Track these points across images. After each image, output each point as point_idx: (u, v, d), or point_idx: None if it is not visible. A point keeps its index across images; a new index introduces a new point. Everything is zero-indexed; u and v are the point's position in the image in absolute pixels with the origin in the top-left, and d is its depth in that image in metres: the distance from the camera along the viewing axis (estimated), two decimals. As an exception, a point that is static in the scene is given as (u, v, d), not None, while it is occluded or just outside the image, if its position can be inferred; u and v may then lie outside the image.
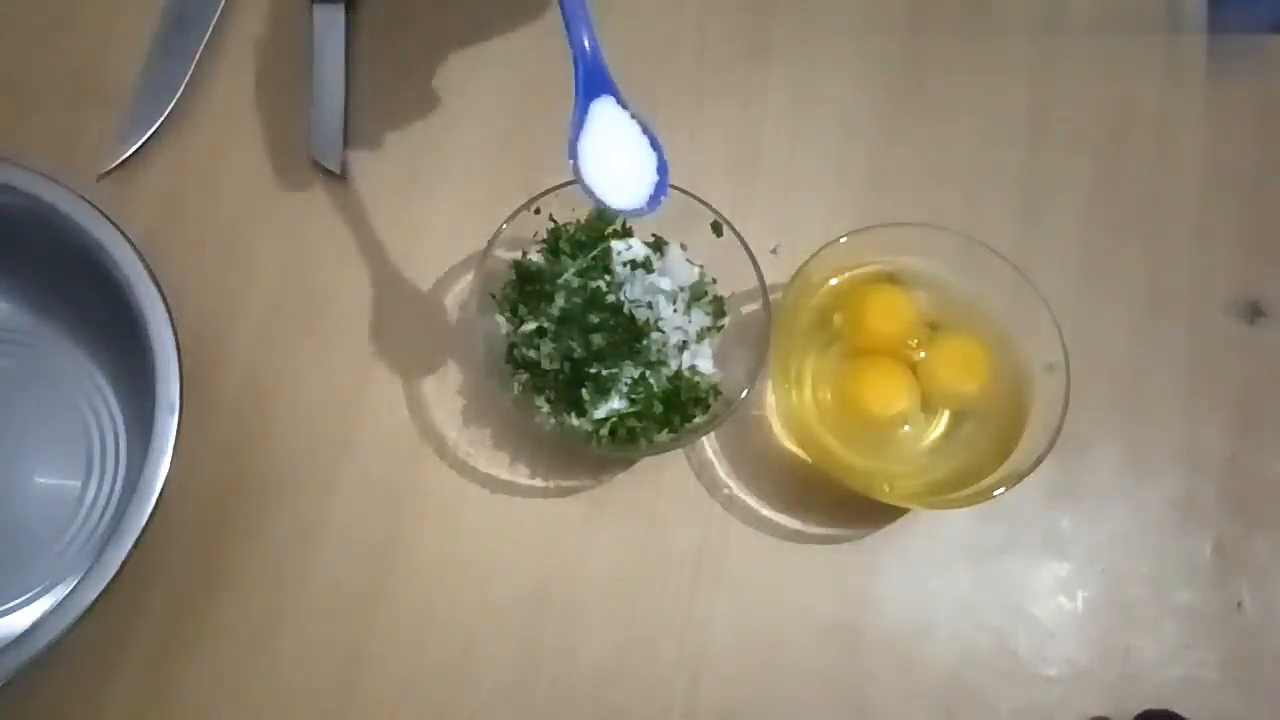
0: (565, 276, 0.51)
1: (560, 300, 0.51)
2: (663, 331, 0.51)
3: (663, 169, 0.46)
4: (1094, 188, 0.61)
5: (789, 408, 0.53)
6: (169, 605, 0.51)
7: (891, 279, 0.55)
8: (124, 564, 0.44)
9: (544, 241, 0.53)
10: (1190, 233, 0.60)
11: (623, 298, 0.51)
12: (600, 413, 0.50)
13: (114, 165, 0.57)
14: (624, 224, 0.54)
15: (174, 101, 0.58)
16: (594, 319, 0.50)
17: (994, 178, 0.60)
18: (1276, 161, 0.61)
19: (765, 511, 0.54)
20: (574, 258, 0.52)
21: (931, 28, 0.63)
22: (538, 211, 0.52)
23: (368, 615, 0.52)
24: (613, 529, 0.54)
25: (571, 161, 0.45)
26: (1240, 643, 0.53)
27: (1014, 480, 0.49)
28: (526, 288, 0.52)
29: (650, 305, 0.51)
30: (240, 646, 0.51)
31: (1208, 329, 0.58)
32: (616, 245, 0.52)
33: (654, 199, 0.45)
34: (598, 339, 0.50)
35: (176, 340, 0.48)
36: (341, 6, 0.61)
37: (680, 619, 0.52)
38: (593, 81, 0.46)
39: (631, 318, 0.51)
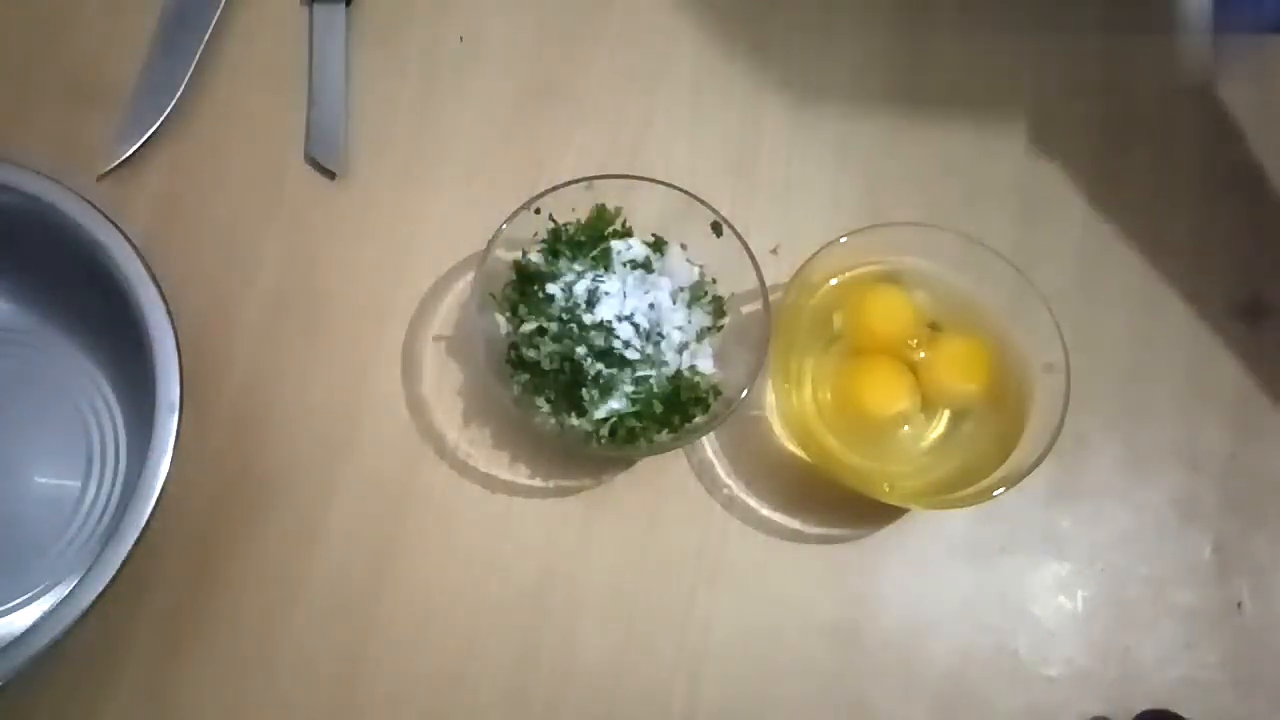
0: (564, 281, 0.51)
1: (561, 301, 0.51)
2: (664, 336, 0.51)
3: None
4: (1094, 187, 0.60)
5: (789, 408, 0.53)
6: (169, 605, 0.51)
7: (891, 279, 0.55)
8: (124, 564, 0.44)
9: (544, 241, 0.53)
10: (1190, 233, 0.60)
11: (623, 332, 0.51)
12: (600, 413, 0.50)
13: (114, 165, 0.57)
14: (624, 224, 0.54)
15: (174, 101, 0.58)
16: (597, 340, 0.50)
17: (994, 177, 0.60)
18: (1276, 162, 0.61)
19: (765, 511, 0.54)
20: (574, 258, 0.52)
21: (931, 26, 0.63)
22: (538, 211, 0.52)
23: (367, 615, 0.52)
24: (613, 529, 0.54)
25: None
26: (1240, 643, 0.53)
27: (1014, 480, 0.49)
28: (526, 288, 0.52)
29: (651, 331, 0.51)
30: (240, 646, 0.51)
31: (1208, 329, 0.58)
32: (616, 245, 0.52)
33: None
34: (599, 342, 0.50)
35: (176, 340, 0.47)
36: (341, 6, 0.61)
37: (680, 619, 0.52)
38: None
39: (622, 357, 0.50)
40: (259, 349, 0.56)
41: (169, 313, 0.48)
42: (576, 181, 0.52)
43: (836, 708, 0.52)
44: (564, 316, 0.50)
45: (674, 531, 0.54)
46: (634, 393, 0.50)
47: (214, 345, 0.55)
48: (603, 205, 0.53)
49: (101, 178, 0.57)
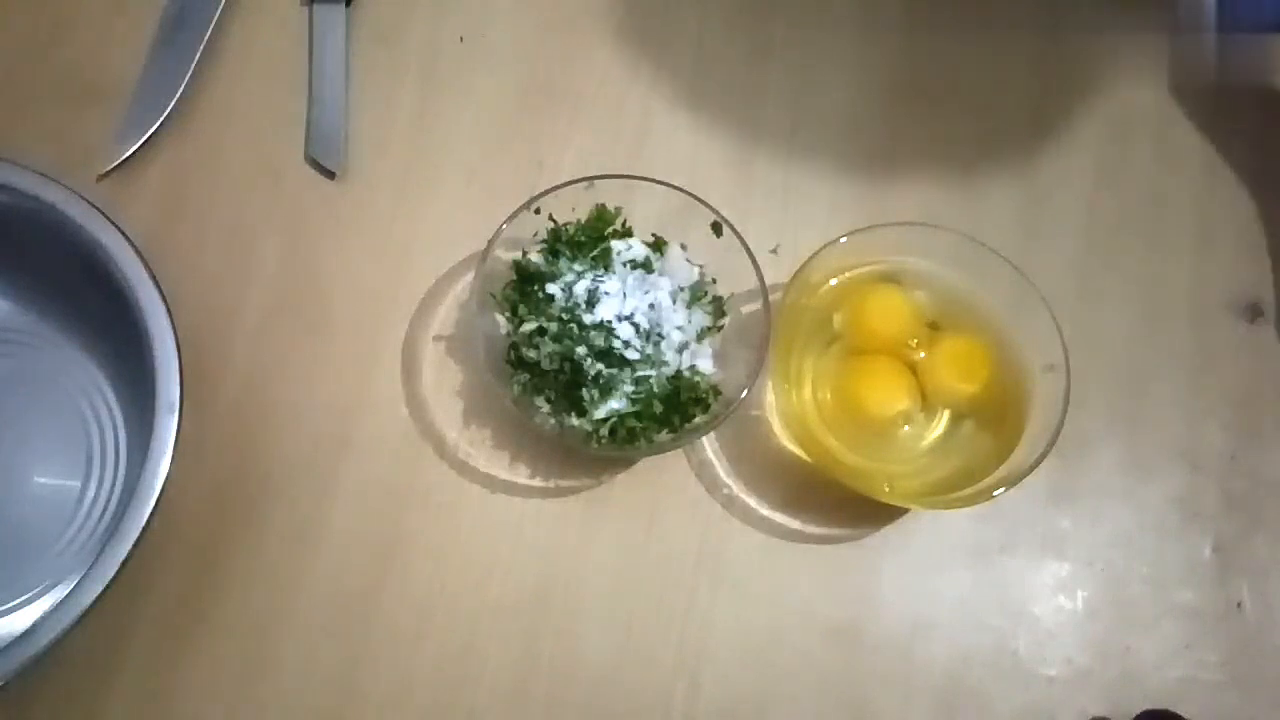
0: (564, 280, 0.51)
1: (561, 301, 0.51)
2: (664, 336, 0.51)
3: None
4: (1094, 187, 0.60)
5: (789, 408, 0.53)
6: (169, 605, 0.51)
7: (891, 279, 0.55)
8: (124, 564, 0.44)
9: (544, 241, 0.53)
10: (1190, 233, 0.60)
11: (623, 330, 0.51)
12: (600, 413, 0.50)
13: (114, 165, 0.57)
14: (624, 224, 0.54)
15: (174, 101, 0.58)
16: (597, 339, 0.50)
17: (994, 177, 0.60)
18: (1276, 162, 0.61)
19: (765, 511, 0.54)
20: (574, 258, 0.52)
21: (931, 26, 0.63)
22: (538, 211, 0.52)
23: (367, 615, 0.52)
24: (613, 529, 0.54)
25: None
26: (1240, 643, 0.53)
27: (1014, 480, 0.49)
28: (526, 288, 0.52)
29: (651, 331, 0.51)
30: (240, 646, 0.51)
31: (1208, 329, 0.58)
32: (616, 245, 0.52)
33: None
34: (599, 342, 0.50)
35: (176, 340, 0.48)
36: (341, 6, 0.61)
37: (680, 619, 0.52)
38: None
39: (622, 357, 0.50)
40: (259, 349, 0.56)
41: (169, 313, 0.48)
42: (576, 181, 0.52)
43: (836, 708, 0.52)
44: (564, 316, 0.50)
45: (674, 531, 0.54)
46: (634, 393, 0.50)
47: (214, 345, 0.55)
48: (603, 205, 0.53)
49: (101, 178, 0.57)
